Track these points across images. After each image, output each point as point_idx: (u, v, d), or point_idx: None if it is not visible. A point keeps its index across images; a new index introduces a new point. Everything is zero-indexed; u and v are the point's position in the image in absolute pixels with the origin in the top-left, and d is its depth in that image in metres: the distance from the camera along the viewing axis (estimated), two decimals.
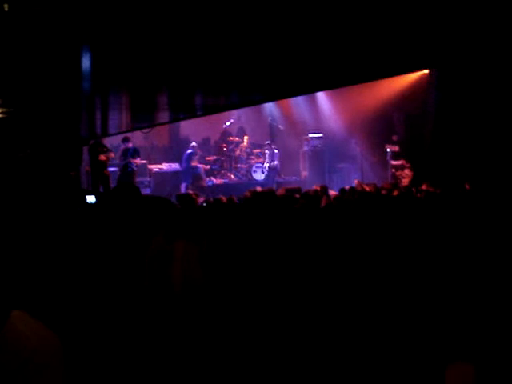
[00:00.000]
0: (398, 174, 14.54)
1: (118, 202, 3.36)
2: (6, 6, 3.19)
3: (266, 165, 17.58)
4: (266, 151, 17.82)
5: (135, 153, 15.17)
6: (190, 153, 16.90)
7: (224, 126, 18.62)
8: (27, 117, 8.89)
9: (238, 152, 18.07)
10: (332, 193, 10.48)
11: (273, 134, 19.43)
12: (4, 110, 8.03)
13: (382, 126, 15.53)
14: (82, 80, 6.68)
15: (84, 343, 2.57)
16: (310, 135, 17.60)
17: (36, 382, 1.74)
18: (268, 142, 18.17)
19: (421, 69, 12.76)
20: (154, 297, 2.92)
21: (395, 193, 9.66)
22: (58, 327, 1.88)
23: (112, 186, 13.88)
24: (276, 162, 17.54)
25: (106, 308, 2.72)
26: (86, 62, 5.58)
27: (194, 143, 17.29)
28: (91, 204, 8.87)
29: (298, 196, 9.74)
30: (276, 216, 4.31)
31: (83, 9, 3.63)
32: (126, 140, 15.10)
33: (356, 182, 12.44)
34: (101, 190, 13.69)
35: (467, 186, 9.45)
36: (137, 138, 17.55)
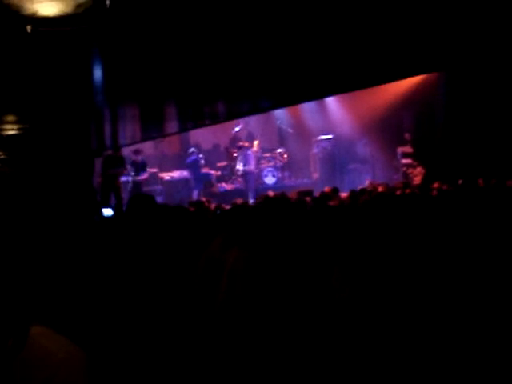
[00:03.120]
0: (409, 172, 14.49)
1: (137, 215, 3.39)
2: (28, 28, 3.25)
3: (240, 167, 16.84)
4: (235, 154, 17.27)
5: (144, 166, 15.35)
6: (194, 159, 16.93)
7: (233, 131, 18.63)
8: (42, 132, 9.00)
9: None
10: (343, 195, 10.47)
11: (282, 137, 19.41)
12: (20, 126, 8.14)
13: (391, 126, 15.50)
14: (94, 93, 6.76)
15: (111, 356, 2.58)
16: (320, 137, 17.57)
17: None
18: (242, 143, 17.48)
19: (431, 71, 12.74)
20: (199, 307, 2.92)
21: (407, 192, 9.62)
22: (85, 342, 1.89)
23: (122, 195, 13.94)
24: (251, 165, 16.88)
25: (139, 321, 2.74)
26: (97, 76, 5.64)
27: (192, 149, 17.33)
28: (108, 217, 8.89)
29: (309, 199, 9.73)
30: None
31: (95, 24, 3.67)
32: (137, 152, 15.20)
33: (368, 181, 12.42)
34: (112, 200, 13.74)
35: (481, 182, 9.41)
36: (147, 147, 17.64)
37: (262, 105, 10.56)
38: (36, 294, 2.70)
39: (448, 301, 3.29)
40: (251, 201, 14.54)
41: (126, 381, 2.60)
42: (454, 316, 3.15)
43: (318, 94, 10.94)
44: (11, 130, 8.24)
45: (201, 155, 17.56)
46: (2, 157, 9.71)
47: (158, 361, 2.69)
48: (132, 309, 2.82)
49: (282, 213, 3.14)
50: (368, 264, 3.45)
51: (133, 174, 15.03)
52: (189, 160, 17.24)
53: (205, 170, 17.12)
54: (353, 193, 9.72)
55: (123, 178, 15.29)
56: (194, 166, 16.96)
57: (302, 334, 2.82)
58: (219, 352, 2.78)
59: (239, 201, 11.77)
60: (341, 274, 3.32)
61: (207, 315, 2.91)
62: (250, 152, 17.00)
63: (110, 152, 14.17)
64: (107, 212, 9.36)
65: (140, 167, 15.12)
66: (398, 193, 9.56)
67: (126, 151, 16.02)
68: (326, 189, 10.94)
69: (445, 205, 6.48)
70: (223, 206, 10.54)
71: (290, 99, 10.43)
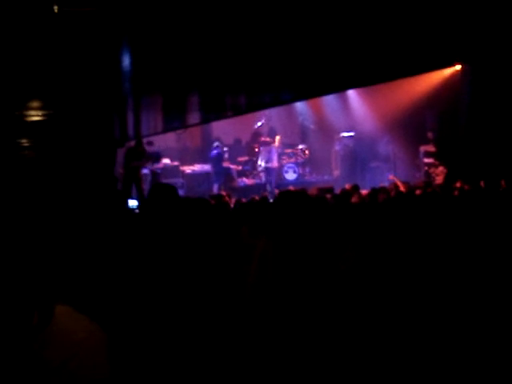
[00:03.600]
0: (431, 171, 14.38)
1: (158, 204, 3.42)
2: (55, 8, 3.25)
3: (262, 163, 16.93)
4: (257, 149, 17.25)
5: (158, 157, 15.54)
6: (218, 153, 16.93)
7: (255, 126, 18.62)
8: (66, 119, 9.06)
9: None
10: (364, 192, 10.43)
11: (304, 133, 19.37)
12: (45, 112, 8.19)
13: (414, 124, 15.39)
14: (121, 81, 6.78)
15: (134, 337, 2.61)
16: (342, 134, 17.50)
17: (83, 373, 1.78)
18: (263, 139, 17.51)
19: (455, 64, 12.61)
20: (226, 293, 2.96)
21: (429, 191, 9.56)
22: (105, 321, 1.92)
23: (143, 186, 14.10)
24: (274, 162, 16.92)
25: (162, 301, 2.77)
26: (125, 64, 5.67)
27: (216, 143, 17.31)
28: (133, 208, 8.96)
29: (329, 196, 9.72)
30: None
31: (124, 13, 3.70)
32: (150, 144, 15.33)
33: (391, 176, 12.34)
34: (133, 190, 13.91)
35: (503, 183, 9.31)
36: (169, 140, 17.71)
37: (283, 97, 10.54)
38: (60, 273, 2.74)
39: (458, 298, 3.28)
40: (270, 196, 14.56)
41: (149, 359, 2.64)
42: (459, 313, 3.15)
43: (340, 87, 10.90)
44: (36, 116, 8.30)
45: (225, 149, 17.53)
46: (27, 144, 9.80)
47: (186, 342, 2.72)
48: (155, 296, 2.85)
49: (302, 204, 3.16)
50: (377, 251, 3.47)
51: (150, 164, 15.19)
52: (212, 154, 17.20)
53: (225, 165, 17.15)
54: (373, 190, 9.68)
55: (145, 171, 15.45)
56: (216, 160, 16.96)
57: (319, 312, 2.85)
58: (251, 329, 2.82)
59: (258, 197, 11.81)
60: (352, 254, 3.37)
61: (238, 297, 2.95)
62: (273, 148, 17.04)
63: (132, 144, 14.32)
64: (132, 203, 9.45)
65: (154, 158, 15.29)
66: (419, 192, 9.52)
67: None
68: (347, 186, 10.92)
69: (466, 205, 6.44)
70: (243, 200, 10.57)
71: (312, 91, 10.39)
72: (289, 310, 2.83)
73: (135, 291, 2.85)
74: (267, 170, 16.83)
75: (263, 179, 17.07)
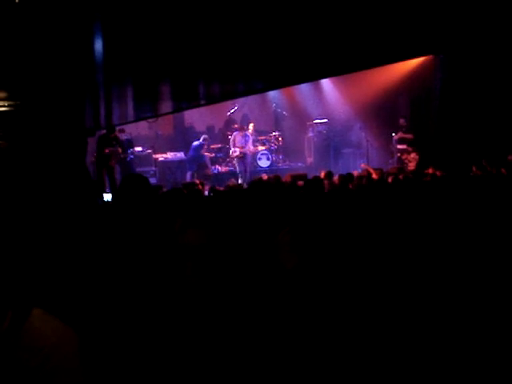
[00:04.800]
0: (403, 157, 14.50)
1: (130, 196, 3.37)
2: None
3: (237, 149, 16.47)
4: (230, 136, 16.97)
5: (129, 144, 15.35)
6: (200, 144, 16.66)
7: (228, 113, 18.52)
8: (34, 110, 8.90)
9: None
10: (336, 178, 10.46)
11: (277, 120, 19.34)
12: (11, 103, 8.05)
13: (386, 111, 15.48)
14: (91, 70, 6.68)
15: (94, 338, 2.59)
16: (315, 121, 17.53)
17: (56, 377, 1.75)
18: (237, 126, 17.31)
19: (427, 54, 12.68)
20: (167, 289, 2.94)
21: (401, 177, 9.63)
22: (77, 324, 1.89)
23: (116, 176, 13.96)
24: (250, 148, 16.62)
25: (121, 304, 2.74)
26: (95, 52, 5.58)
27: (205, 136, 17.00)
28: (107, 201, 8.86)
29: (301, 183, 9.72)
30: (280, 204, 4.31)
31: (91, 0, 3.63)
32: (121, 131, 15.16)
33: (363, 165, 12.43)
34: (106, 180, 13.75)
35: (474, 169, 9.43)
36: (141, 128, 17.55)
37: (256, 86, 10.50)
38: (33, 276, 2.69)
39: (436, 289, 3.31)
40: (242, 182, 14.52)
41: (116, 360, 2.62)
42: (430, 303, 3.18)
43: (312, 76, 10.88)
44: (2, 107, 8.17)
45: (205, 146, 17.00)
46: None
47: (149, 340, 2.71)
48: (127, 295, 2.83)
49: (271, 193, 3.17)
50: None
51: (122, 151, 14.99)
52: (195, 144, 16.81)
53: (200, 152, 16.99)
54: (342, 177, 9.71)
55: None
56: (195, 149, 16.66)
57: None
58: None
59: (231, 184, 11.78)
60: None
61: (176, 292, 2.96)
62: (247, 134, 16.81)
63: (104, 132, 14.15)
64: (107, 196, 9.40)
65: (126, 145, 15.12)
66: (391, 178, 9.58)
67: None
68: (322, 173, 10.95)
69: (437, 190, 6.50)
70: (217, 187, 10.53)
71: (285, 80, 10.36)
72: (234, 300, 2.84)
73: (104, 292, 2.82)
74: (243, 155, 16.55)
75: (236, 166, 16.72)
